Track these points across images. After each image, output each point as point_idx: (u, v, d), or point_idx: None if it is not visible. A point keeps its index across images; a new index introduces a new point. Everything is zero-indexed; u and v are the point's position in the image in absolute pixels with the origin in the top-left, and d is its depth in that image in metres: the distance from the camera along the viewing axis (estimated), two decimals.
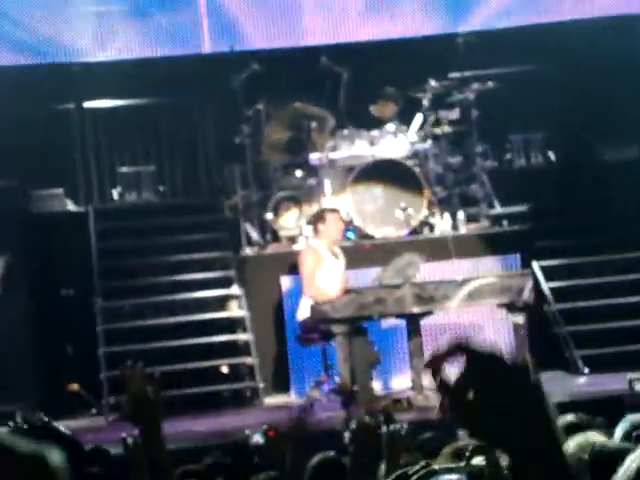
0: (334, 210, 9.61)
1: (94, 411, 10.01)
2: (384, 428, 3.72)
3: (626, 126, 11.51)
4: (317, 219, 9.53)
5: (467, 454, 2.42)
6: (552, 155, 11.81)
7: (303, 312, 9.27)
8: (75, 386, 10.07)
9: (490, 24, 11.91)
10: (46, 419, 2.70)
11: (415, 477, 2.26)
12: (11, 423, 2.68)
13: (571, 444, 2.75)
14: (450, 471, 2.28)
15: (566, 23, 11.96)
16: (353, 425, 3.74)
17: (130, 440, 4.06)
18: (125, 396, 2.72)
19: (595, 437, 2.81)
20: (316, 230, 9.49)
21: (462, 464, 2.35)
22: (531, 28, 11.89)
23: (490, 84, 10.82)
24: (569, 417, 3.88)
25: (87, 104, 11.86)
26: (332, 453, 4.30)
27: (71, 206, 11.36)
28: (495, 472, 2.36)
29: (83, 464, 2.66)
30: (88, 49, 11.72)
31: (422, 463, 2.29)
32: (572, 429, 3.66)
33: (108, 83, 11.61)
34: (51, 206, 11.10)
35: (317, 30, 11.82)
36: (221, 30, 11.83)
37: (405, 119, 10.82)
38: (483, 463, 2.36)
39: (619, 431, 3.58)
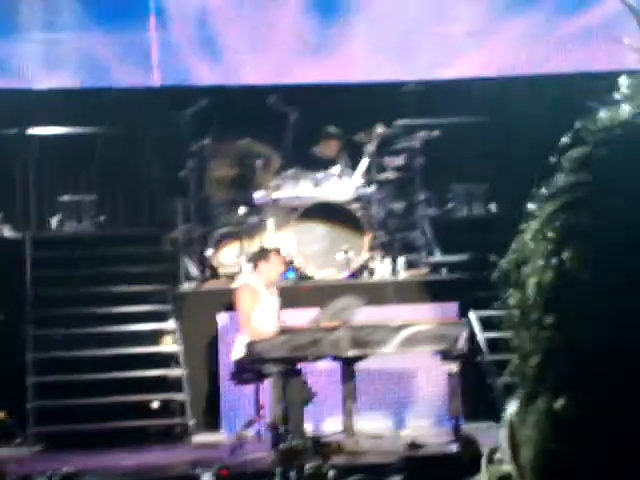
0: (278, 251, 9.59)
1: (18, 441, 9.82)
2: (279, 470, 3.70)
3: None
4: (261, 257, 9.49)
5: None
6: (493, 207, 11.92)
7: (238, 350, 9.21)
8: (0, 414, 9.87)
9: (438, 74, 12.04)
10: None
11: None
12: None
13: None
14: None
15: (513, 77, 12.13)
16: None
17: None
18: None
19: None
20: (256, 267, 9.46)
21: None
22: (478, 81, 12.05)
23: (436, 133, 10.92)
24: (503, 468, 3.88)
25: (31, 130, 11.75)
26: None
27: (8, 232, 11.21)
28: None
29: None
30: (35, 76, 11.65)
31: None
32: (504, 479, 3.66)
33: (53, 110, 11.54)
34: None
35: (267, 69, 11.87)
36: (170, 64, 11.83)
37: (351, 163, 10.87)
38: None
39: None
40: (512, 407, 0.98)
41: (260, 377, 9.08)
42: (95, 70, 11.75)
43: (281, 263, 9.46)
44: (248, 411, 9.58)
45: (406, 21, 12.03)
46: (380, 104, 11.35)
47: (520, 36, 12.09)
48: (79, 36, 11.70)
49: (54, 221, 11.51)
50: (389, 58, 12.03)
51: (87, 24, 11.67)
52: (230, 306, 9.74)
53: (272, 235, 10.44)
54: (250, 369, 9.09)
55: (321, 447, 8.22)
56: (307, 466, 3.85)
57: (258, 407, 9.32)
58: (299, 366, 9.17)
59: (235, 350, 9.29)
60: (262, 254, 9.50)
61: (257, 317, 9.19)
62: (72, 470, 4.33)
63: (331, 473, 3.80)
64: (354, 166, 10.83)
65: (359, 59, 12.04)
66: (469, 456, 5.23)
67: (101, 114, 11.68)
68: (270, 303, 9.32)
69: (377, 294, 9.99)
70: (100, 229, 11.58)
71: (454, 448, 6.87)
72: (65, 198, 11.53)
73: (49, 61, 11.64)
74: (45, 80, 11.66)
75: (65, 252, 11.02)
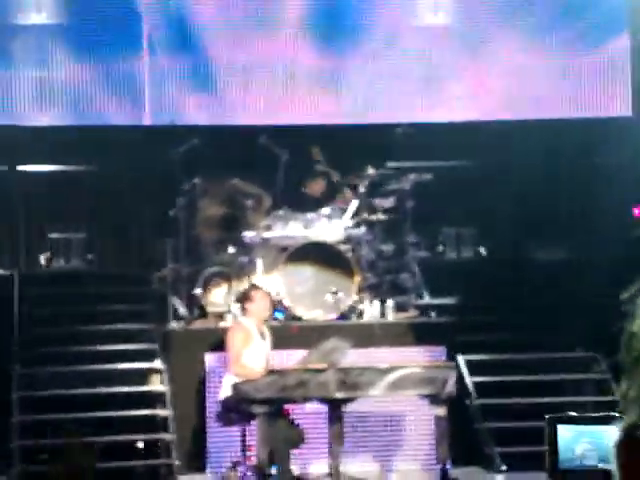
0: (260, 288, 9.57)
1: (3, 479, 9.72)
2: None
3: (557, 226, 11.69)
4: (244, 297, 9.47)
5: None
6: (483, 250, 11.93)
7: (225, 391, 9.15)
8: None
9: (429, 117, 12.10)
10: None
11: None
12: None
13: None
14: None
15: (504, 122, 12.20)
16: None
17: None
18: (61, 464, 2.59)
19: None
20: (244, 309, 9.43)
21: None
22: (470, 124, 12.10)
23: (427, 176, 10.94)
24: None
25: (21, 167, 11.75)
26: None
27: None
28: None
29: None
30: (25, 112, 11.66)
31: None
32: None
33: (44, 147, 11.54)
34: None
35: (258, 110, 11.90)
36: (162, 103, 11.86)
37: (339, 203, 10.88)
38: None
39: None
40: (615, 433, 0.99)
41: (247, 418, 9.02)
42: (86, 108, 11.77)
43: (266, 301, 9.42)
44: (234, 452, 9.52)
45: (397, 63, 12.10)
46: (371, 146, 11.39)
47: (510, 79, 12.16)
48: (70, 73, 11.73)
49: (43, 258, 11.47)
50: (380, 99, 12.08)
51: (78, 61, 11.71)
52: (218, 346, 9.69)
53: (261, 275, 10.42)
54: (237, 410, 9.03)
55: None
56: None
57: (244, 448, 9.26)
58: (287, 407, 9.12)
59: (223, 390, 9.23)
60: (246, 294, 9.48)
61: (247, 357, 9.15)
62: None
63: None
64: (343, 207, 10.84)
65: (350, 101, 12.09)
66: None
67: (91, 151, 11.69)
68: (260, 344, 9.28)
69: (365, 336, 9.96)
70: (89, 267, 11.55)
71: None
72: (54, 235, 11.50)
73: (40, 98, 11.66)
74: (36, 117, 11.68)
75: (53, 290, 10.98)
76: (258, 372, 9.00)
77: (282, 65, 11.96)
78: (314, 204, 10.84)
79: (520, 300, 11.15)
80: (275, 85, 11.97)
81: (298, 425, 9.17)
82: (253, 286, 9.79)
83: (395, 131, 11.35)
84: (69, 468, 2.53)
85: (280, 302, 10.24)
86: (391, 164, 11.33)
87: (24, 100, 11.62)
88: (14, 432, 9.77)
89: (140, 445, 10.06)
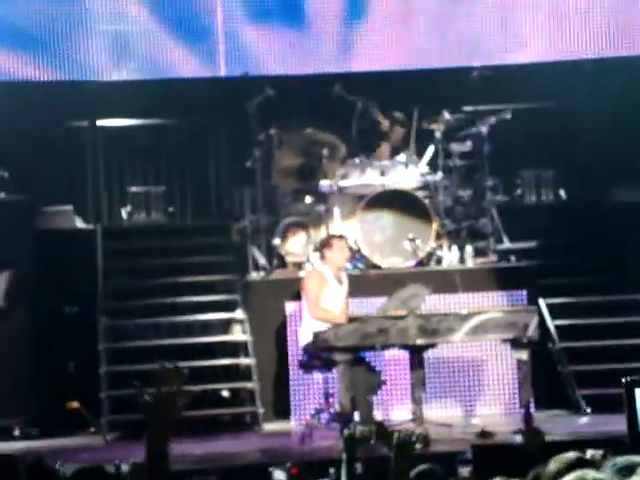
0: (341, 236, 9.60)
1: (92, 430, 9.97)
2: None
3: (639, 167, 11.49)
4: (324, 245, 9.52)
5: None
6: (563, 193, 11.79)
7: (304, 337, 9.25)
8: (75, 404, 10.03)
9: (506, 59, 11.91)
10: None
11: None
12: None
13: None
14: None
15: (582, 62, 11.96)
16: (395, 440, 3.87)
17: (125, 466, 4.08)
18: (154, 392, 2.64)
19: (591, 474, 2.79)
20: (323, 256, 9.48)
21: None
22: (546, 65, 11.90)
23: (506, 114, 10.74)
24: (569, 455, 3.86)
25: (100, 122, 11.89)
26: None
27: (80, 223, 11.36)
28: None
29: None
30: (104, 68, 11.76)
31: None
32: (571, 467, 3.66)
33: (122, 102, 11.64)
34: (60, 223, 11.10)
35: (333, 58, 11.85)
36: (237, 55, 11.87)
37: (417, 150, 10.83)
38: None
39: (607, 471, 3.61)
40: None
41: (328, 365, 9.10)
42: (162, 61, 11.84)
43: (345, 249, 9.45)
44: (317, 400, 9.62)
45: (473, 5, 11.93)
46: (447, 90, 11.28)
47: (587, 18, 11.91)
48: (146, 27, 11.79)
49: (124, 212, 11.64)
50: (456, 42, 11.93)
51: (154, 14, 11.77)
52: (298, 295, 9.77)
53: (338, 224, 10.44)
54: (318, 357, 9.12)
55: (387, 433, 8.22)
56: (395, 434, 3.96)
57: (327, 395, 9.35)
58: (367, 354, 9.19)
59: (302, 337, 9.33)
60: (327, 241, 9.52)
61: (325, 301, 9.22)
62: (139, 460, 4.39)
63: (418, 446, 3.92)
64: (421, 153, 10.78)
65: (426, 45, 11.96)
66: (535, 447, 5.20)
67: (168, 105, 11.77)
68: (337, 290, 9.34)
69: (445, 282, 9.95)
70: (169, 220, 11.69)
71: (519, 439, 6.83)
72: (134, 189, 11.65)
73: (117, 53, 11.76)
74: (113, 72, 11.78)
75: (135, 243, 11.15)
76: (338, 316, 9.07)
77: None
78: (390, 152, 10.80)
79: (601, 242, 11.02)
80: (349, 32, 11.89)
81: (379, 372, 9.23)
82: (332, 234, 9.83)
83: (471, 74, 11.21)
84: (160, 396, 2.57)
85: (358, 251, 10.26)
86: (467, 108, 11.21)
87: (101, 55, 11.72)
88: (102, 383, 9.99)
89: (226, 394, 10.22)
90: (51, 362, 10.39)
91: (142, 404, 2.65)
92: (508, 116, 10.75)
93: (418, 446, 3.86)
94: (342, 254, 9.42)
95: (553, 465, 3.78)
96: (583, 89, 11.82)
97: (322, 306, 9.16)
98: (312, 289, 9.22)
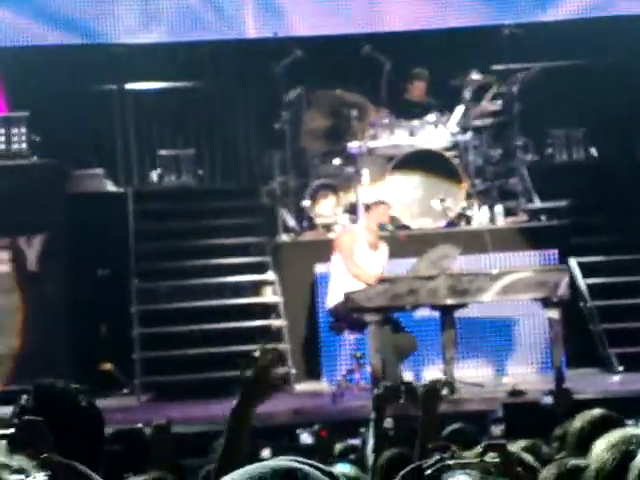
0: (384, 202, 9.57)
1: (126, 391, 10.07)
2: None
3: None
4: (367, 208, 9.55)
5: (480, 450, 2.43)
6: (594, 151, 11.70)
7: (332, 298, 9.27)
8: (108, 365, 10.13)
9: (537, 16, 11.79)
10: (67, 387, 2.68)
11: (429, 471, 2.26)
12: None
13: (612, 438, 2.68)
14: (463, 467, 2.28)
15: (615, 18, 11.81)
16: (423, 387, 3.90)
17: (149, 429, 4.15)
18: (254, 368, 2.75)
19: (633, 431, 2.76)
20: (368, 211, 9.48)
21: (475, 460, 2.36)
22: (578, 22, 11.77)
23: (536, 69, 10.64)
24: (594, 412, 3.86)
25: (129, 86, 11.89)
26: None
27: (110, 187, 11.41)
28: (509, 469, 2.35)
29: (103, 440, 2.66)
30: (132, 31, 11.75)
31: (436, 457, 2.29)
32: (602, 425, 3.64)
33: (150, 65, 11.64)
34: (91, 186, 11.16)
35: (361, 18, 11.78)
36: (265, 16, 11.82)
37: (446, 110, 10.77)
38: (496, 459, 2.36)
39: None
40: None
41: (359, 326, 9.13)
42: (191, 24, 11.81)
43: (382, 217, 9.44)
44: (348, 360, 9.66)
45: None
46: (476, 49, 11.19)
47: None
48: None
49: (154, 175, 11.67)
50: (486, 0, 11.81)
51: None
52: (328, 257, 9.79)
53: (368, 185, 10.43)
54: (348, 318, 9.15)
55: (415, 392, 8.25)
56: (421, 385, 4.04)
57: (358, 356, 9.39)
58: (398, 315, 9.21)
59: (330, 298, 9.35)
60: (368, 206, 9.54)
61: (359, 259, 9.25)
62: (163, 422, 4.44)
63: (445, 391, 3.98)
64: (449, 112, 10.72)
65: (453, 3, 11.85)
66: (564, 408, 5.21)
67: (196, 68, 11.76)
68: (369, 256, 9.34)
69: (475, 242, 9.94)
70: (199, 182, 11.71)
71: (550, 400, 6.84)
72: (164, 152, 11.68)
73: (145, 15, 11.74)
74: (142, 35, 11.77)
75: (166, 205, 11.19)
76: (370, 275, 9.06)
77: None
78: (418, 111, 10.75)
79: (632, 201, 10.95)
80: None
81: (413, 336, 9.24)
82: (377, 199, 9.74)
83: (501, 32, 11.11)
84: (259, 375, 2.67)
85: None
86: (497, 67, 11.13)
87: (130, 18, 11.70)
88: (135, 345, 10.08)
89: (257, 355, 10.27)
90: (84, 325, 10.48)
91: (242, 380, 2.79)
92: (536, 69, 10.61)
93: (444, 392, 3.88)
94: (376, 217, 9.39)
95: (578, 422, 3.81)
96: (614, 46, 11.68)
97: (355, 260, 9.19)
98: (345, 242, 9.28)
